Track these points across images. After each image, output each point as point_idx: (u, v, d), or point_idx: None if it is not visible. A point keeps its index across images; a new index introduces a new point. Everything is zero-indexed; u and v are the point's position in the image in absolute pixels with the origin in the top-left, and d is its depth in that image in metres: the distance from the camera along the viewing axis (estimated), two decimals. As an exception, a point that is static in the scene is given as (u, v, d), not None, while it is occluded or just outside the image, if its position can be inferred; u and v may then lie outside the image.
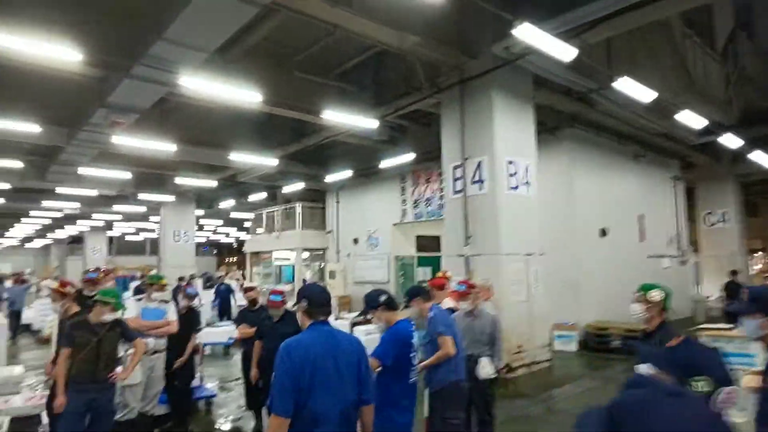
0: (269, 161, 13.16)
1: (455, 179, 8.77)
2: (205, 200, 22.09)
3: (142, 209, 21.85)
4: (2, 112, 9.21)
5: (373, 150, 14.62)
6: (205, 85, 7.77)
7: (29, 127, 9.52)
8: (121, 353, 4.63)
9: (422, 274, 16.64)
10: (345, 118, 9.72)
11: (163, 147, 11.20)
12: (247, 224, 30.79)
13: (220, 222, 29.59)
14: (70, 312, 4.86)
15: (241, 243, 48.53)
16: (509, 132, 8.47)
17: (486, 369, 4.25)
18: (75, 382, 4.19)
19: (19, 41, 5.96)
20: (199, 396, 6.57)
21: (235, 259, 49.32)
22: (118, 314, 4.46)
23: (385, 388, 3.31)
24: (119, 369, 4.51)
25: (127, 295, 7.57)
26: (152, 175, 16.09)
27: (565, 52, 6.89)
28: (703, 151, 14.88)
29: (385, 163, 13.61)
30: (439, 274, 6.89)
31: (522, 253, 8.40)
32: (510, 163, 8.39)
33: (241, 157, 12.55)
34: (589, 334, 10.60)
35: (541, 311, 8.75)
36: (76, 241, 37.13)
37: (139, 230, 34.07)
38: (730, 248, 16.53)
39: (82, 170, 13.47)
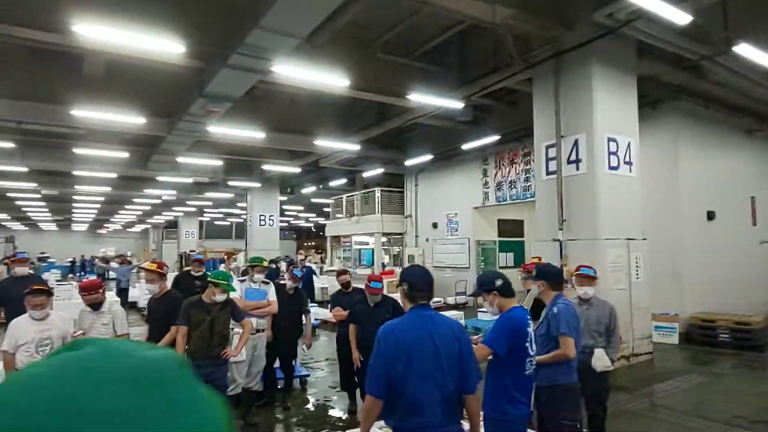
0: (351, 146, 13.29)
1: (548, 159, 8.34)
2: (288, 186, 22.88)
3: (230, 195, 23.01)
4: (111, 105, 9.95)
5: (454, 132, 14.34)
6: (295, 71, 7.90)
7: (135, 119, 10.21)
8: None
9: (504, 259, 16.25)
10: (429, 99, 9.55)
11: (253, 134, 11.62)
12: (326, 209, 31.67)
13: (301, 207, 30.51)
14: (162, 291, 5.14)
15: (318, 227, 50.26)
16: (609, 107, 7.89)
17: (602, 360, 3.98)
18: (192, 358, 4.43)
19: (126, 36, 6.33)
20: (295, 375, 6.79)
21: (313, 243, 51.07)
22: (227, 296, 4.67)
23: (498, 378, 3.13)
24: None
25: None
26: (241, 162, 16.80)
27: (677, 15, 6.25)
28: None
29: (468, 145, 13.28)
30: (533, 260, 6.61)
31: (622, 238, 7.86)
32: (610, 140, 7.83)
33: (325, 143, 12.75)
34: (693, 326, 9.78)
35: (641, 300, 8.16)
36: (171, 225, 40.05)
37: (226, 215, 36.04)
38: None
39: (180, 159, 14.32)
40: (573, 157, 7.93)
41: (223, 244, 36.67)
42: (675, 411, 5.84)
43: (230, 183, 19.26)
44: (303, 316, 6.18)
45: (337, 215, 21.45)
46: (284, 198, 24.70)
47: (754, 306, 10.20)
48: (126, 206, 29.47)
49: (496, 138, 12.60)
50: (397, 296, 3.72)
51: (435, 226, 16.86)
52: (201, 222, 37.28)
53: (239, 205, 27.73)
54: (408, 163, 15.96)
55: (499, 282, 3.06)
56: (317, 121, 13.56)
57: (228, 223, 40.78)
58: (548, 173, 8.36)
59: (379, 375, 2.45)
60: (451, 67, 10.32)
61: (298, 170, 16.94)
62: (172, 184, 19.21)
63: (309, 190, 22.27)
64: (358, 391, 5.66)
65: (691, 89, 10.53)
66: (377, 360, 2.47)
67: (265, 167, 16.52)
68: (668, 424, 5.45)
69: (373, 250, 18.66)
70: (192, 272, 6.79)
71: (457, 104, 9.72)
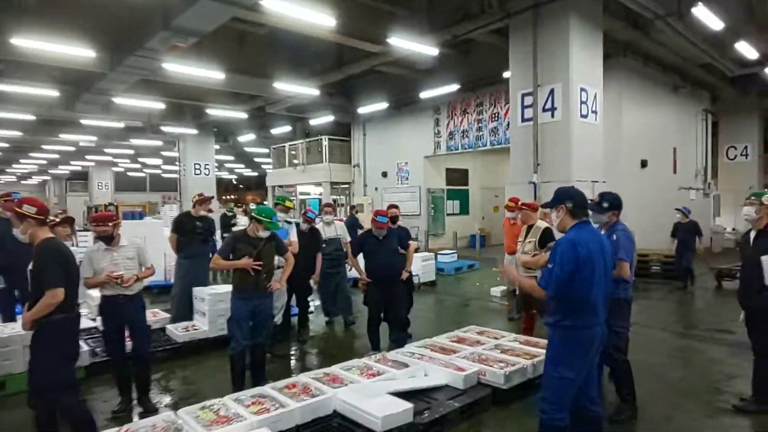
0: (310, 91, 12.97)
1: (524, 107, 8.83)
2: (223, 134, 21.81)
3: (158, 143, 21.52)
4: (53, 35, 8.87)
5: (406, 80, 14.46)
6: (281, 5, 7.56)
7: (82, 52, 9.22)
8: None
9: (451, 206, 17.01)
10: (406, 45, 9.55)
11: (210, 74, 10.96)
12: (258, 159, 30.64)
13: (231, 157, 29.23)
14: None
15: (241, 180, 48.45)
16: (582, 59, 8.48)
17: None
18: (240, 291, 4.48)
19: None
20: (310, 310, 6.99)
21: (232, 196, 49.32)
22: (269, 232, 4.62)
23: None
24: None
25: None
26: (183, 106, 15.75)
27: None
28: (732, 85, 14.99)
29: (425, 94, 13.50)
30: (511, 201, 7.10)
31: (589, 180, 8.65)
32: (582, 90, 8.46)
33: (284, 86, 12.33)
34: (629, 260, 11.09)
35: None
36: (76, 177, 36.63)
37: (142, 166, 33.64)
38: (748, 183, 16.99)
39: (117, 99, 13.14)
40: (549, 105, 8.48)
41: (137, 198, 34.40)
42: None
43: (164, 129, 18.00)
44: (316, 254, 6.28)
45: (277, 166, 20.94)
46: (217, 147, 23.59)
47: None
48: (31, 154, 26.44)
49: (455, 87, 12.91)
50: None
51: (385, 175, 17.12)
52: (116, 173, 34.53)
53: (164, 154, 26.05)
54: (360, 110, 15.89)
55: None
56: (271, 63, 13.01)
57: (143, 175, 38.11)
58: (524, 120, 8.87)
59: (562, 279, 2.81)
60: (421, 13, 10.30)
61: (244, 116, 16.21)
62: (96, 128, 17.54)
63: (247, 138, 21.40)
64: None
65: (636, 47, 11.49)
66: (566, 265, 2.80)
67: (210, 111, 15.60)
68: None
69: (319, 199, 18.60)
70: (192, 213, 6.54)
71: (432, 51, 9.81)
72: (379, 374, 4.27)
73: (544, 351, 4.70)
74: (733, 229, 16.89)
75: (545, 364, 3.03)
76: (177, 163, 21.00)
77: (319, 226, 6.58)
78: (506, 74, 11.44)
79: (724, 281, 9.50)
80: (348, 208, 16.59)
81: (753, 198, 4.01)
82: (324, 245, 6.46)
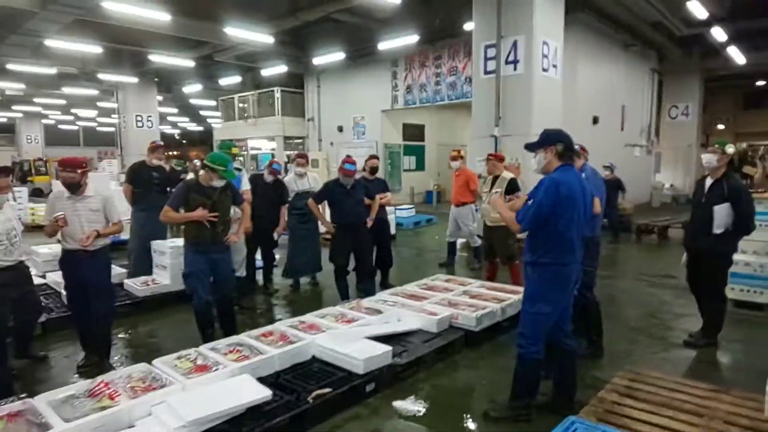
0: (263, 38, 12.33)
1: (487, 59, 8.80)
2: (166, 84, 20.55)
3: (94, 92, 20.04)
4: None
5: (364, 30, 14.00)
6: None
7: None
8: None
9: (407, 162, 17.03)
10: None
11: (155, 15, 10.17)
12: (204, 113, 29.24)
13: (174, 110, 27.72)
14: None
15: (184, 134, 46.22)
16: (545, 11, 8.48)
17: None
18: (196, 244, 4.24)
19: None
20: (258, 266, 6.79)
21: (176, 152, 47.08)
22: (224, 182, 4.38)
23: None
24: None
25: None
26: (122, 51, 14.61)
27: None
28: (679, 45, 15.53)
29: (384, 44, 13.14)
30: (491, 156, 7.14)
31: (546, 134, 8.82)
32: (544, 44, 8.49)
33: (237, 32, 11.64)
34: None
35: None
36: (1, 130, 33.72)
37: (75, 118, 31.34)
38: (687, 141, 17.97)
39: (49, 42, 12.00)
40: (512, 58, 8.49)
41: (70, 153, 32.10)
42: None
43: (100, 77, 16.71)
44: (281, 206, 6.10)
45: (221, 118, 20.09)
46: (159, 98, 22.27)
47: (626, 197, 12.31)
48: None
49: (414, 39, 12.64)
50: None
51: (340, 129, 16.82)
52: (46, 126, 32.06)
53: (100, 105, 24.34)
54: (315, 61, 15.32)
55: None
56: (220, 6, 12.20)
57: (75, 128, 35.50)
58: (486, 72, 8.86)
59: (539, 216, 2.88)
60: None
61: (191, 64, 15.26)
62: (25, 75, 16.03)
63: (193, 89, 20.29)
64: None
65: (592, 2, 11.60)
66: (546, 205, 2.86)
67: (153, 58, 14.57)
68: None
69: (272, 154, 18.08)
70: (147, 163, 6.15)
71: (394, -3, 9.48)
72: (354, 321, 4.30)
73: (510, 295, 4.94)
74: (672, 186, 17.93)
75: (523, 301, 3.13)
76: (116, 114, 19.72)
77: (290, 176, 6.34)
78: (466, 26, 11.37)
79: (643, 235, 10.09)
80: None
81: (716, 146, 4.17)
82: (296, 198, 6.20)
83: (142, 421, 2.79)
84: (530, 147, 3.14)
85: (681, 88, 17.77)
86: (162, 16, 10.26)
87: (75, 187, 3.79)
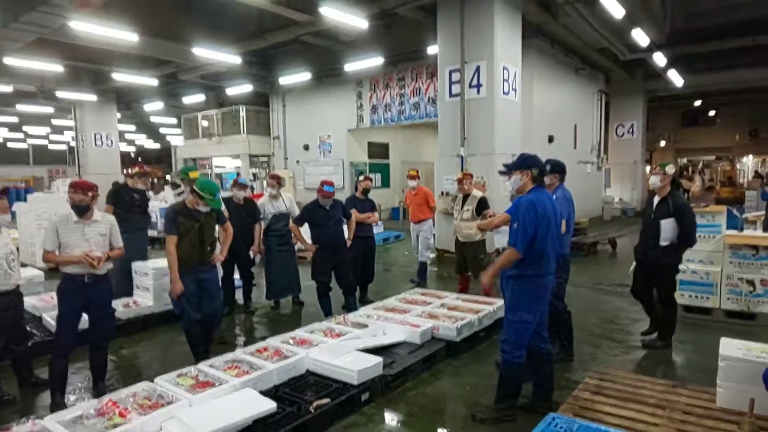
0: (231, 58, 12.46)
1: (451, 82, 9.28)
2: (125, 101, 20.20)
3: (50, 110, 19.46)
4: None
5: (330, 52, 14.34)
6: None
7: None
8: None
9: (374, 180, 17.32)
10: (335, 16, 9.52)
11: (124, 36, 10.16)
12: (164, 131, 28.75)
13: (132, 127, 27.12)
14: None
15: (140, 152, 45.09)
16: (504, 39, 9.04)
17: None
18: (185, 266, 4.34)
19: None
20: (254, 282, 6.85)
21: (132, 170, 45.79)
22: (208, 209, 4.51)
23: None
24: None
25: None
26: (83, 69, 14.34)
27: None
28: (624, 68, 16.68)
29: (350, 66, 13.52)
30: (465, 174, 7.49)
31: (509, 153, 9.35)
32: (504, 69, 9.05)
33: (204, 53, 11.73)
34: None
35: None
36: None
37: (26, 136, 30.10)
38: (633, 157, 19.16)
39: (7, 60, 11.71)
40: (475, 82, 8.99)
41: (18, 172, 30.97)
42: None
43: (59, 95, 16.29)
44: (254, 225, 6.21)
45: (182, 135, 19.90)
46: (118, 115, 21.82)
47: (580, 212, 13.04)
48: None
49: (379, 61, 13.07)
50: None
51: (306, 147, 17.00)
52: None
53: (55, 123, 23.57)
54: (281, 81, 15.52)
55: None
56: (185, 27, 12.27)
57: (25, 146, 34.00)
58: (451, 95, 9.33)
59: (529, 235, 3.19)
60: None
61: (155, 83, 15.15)
62: (-23, 92, 15.48)
63: (154, 106, 20.02)
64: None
65: (546, 30, 12.38)
66: (529, 225, 3.18)
67: (116, 77, 14.37)
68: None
69: (237, 173, 18.02)
70: (129, 185, 6.23)
71: (362, 23, 9.87)
72: (343, 335, 4.52)
73: (485, 306, 5.28)
74: (620, 199, 19.03)
75: (505, 311, 3.46)
76: (69, 132, 19.17)
77: (264, 198, 6.51)
78: (430, 50, 11.90)
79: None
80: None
81: (658, 168, 4.73)
82: (272, 220, 6.32)
83: (154, 437, 2.93)
84: (509, 167, 3.50)
85: (626, 108, 18.98)
86: (129, 36, 10.25)
87: (83, 210, 3.72)
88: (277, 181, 6.48)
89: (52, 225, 3.74)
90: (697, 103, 23.61)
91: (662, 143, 26.77)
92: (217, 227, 4.72)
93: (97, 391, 3.90)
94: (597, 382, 3.71)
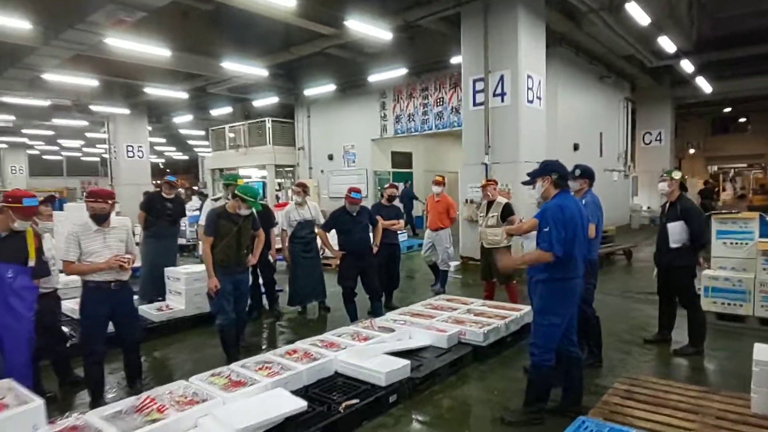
0: (258, 71, 12.77)
1: (475, 92, 9.33)
2: (156, 114, 20.83)
3: (84, 123, 20.18)
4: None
5: (354, 63, 14.55)
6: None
7: (15, 23, 8.58)
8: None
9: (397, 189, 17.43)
10: (361, 28, 9.70)
11: (156, 52, 10.54)
12: (191, 142, 29.48)
13: (163, 140, 27.91)
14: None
15: (168, 164, 46.24)
16: (528, 48, 9.06)
17: None
18: (222, 266, 4.57)
19: None
20: (277, 289, 7.00)
21: (157, 181, 47.01)
22: (251, 211, 4.75)
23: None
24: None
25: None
26: (116, 84, 14.87)
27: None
28: (650, 75, 16.47)
29: (374, 77, 13.70)
30: (490, 181, 7.47)
31: (533, 161, 9.32)
32: (529, 77, 9.07)
33: (233, 66, 12.06)
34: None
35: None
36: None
37: (61, 149, 31.25)
38: (661, 165, 18.76)
39: (46, 76, 12.25)
40: (499, 91, 9.03)
41: (53, 183, 32.03)
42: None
43: (93, 108, 16.92)
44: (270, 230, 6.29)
45: (213, 147, 20.35)
46: (149, 128, 22.50)
47: (607, 220, 12.87)
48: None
49: (402, 72, 13.22)
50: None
51: (331, 157, 17.21)
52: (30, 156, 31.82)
53: (89, 135, 24.40)
54: (306, 92, 15.80)
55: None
56: (215, 41, 12.64)
57: (59, 158, 35.27)
58: (475, 104, 9.38)
59: (563, 238, 3.22)
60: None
61: (185, 96, 15.62)
62: (17, 107, 16.16)
63: (183, 118, 20.57)
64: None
65: (570, 38, 12.35)
66: (560, 227, 3.22)
67: (148, 91, 14.87)
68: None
69: (264, 182, 18.35)
70: (164, 194, 6.50)
71: (386, 35, 10.03)
72: (370, 338, 4.58)
73: (511, 312, 5.27)
74: (648, 208, 18.66)
75: (534, 314, 3.48)
76: (102, 144, 19.84)
77: (290, 206, 6.64)
78: (453, 60, 11.99)
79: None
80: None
81: (665, 175, 4.84)
82: (298, 227, 6.43)
83: (191, 432, 3.02)
84: (531, 176, 3.54)
85: (653, 115, 18.69)
86: (162, 52, 10.64)
87: (103, 219, 3.79)
88: (303, 189, 6.60)
89: (73, 235, 3.73)
90: (727, 109, 23.12)
91: (691, 151, 26.24)
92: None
93: (134, 390, 4.02)
94: (628, 387, 3.67)
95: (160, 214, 6.37)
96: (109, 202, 3.85)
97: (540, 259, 3.29)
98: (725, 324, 5.55)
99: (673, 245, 4.64)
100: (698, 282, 5.03)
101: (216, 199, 6.15)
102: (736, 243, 5.78)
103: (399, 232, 6.96)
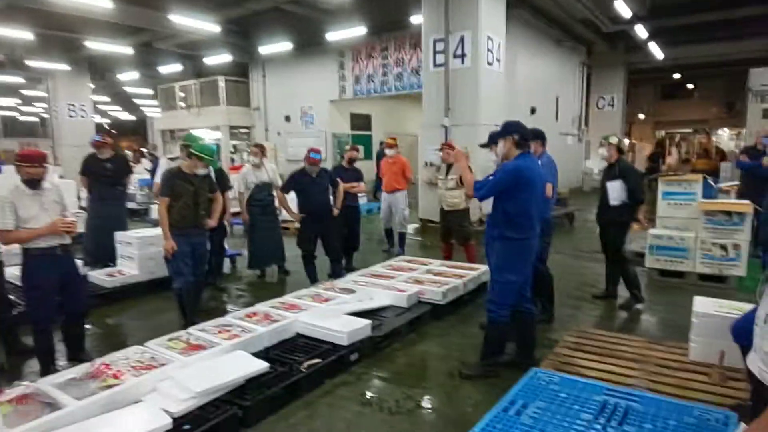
0: (210, 26, 12.13)
1: (436, 52, 9.22)
2: (98, 71, 19.58)
3: (19, 80, 18.78)
4: None
5: (310, 21, 14.03)
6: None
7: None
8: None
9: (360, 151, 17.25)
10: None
11: (98, 2, 9.80)
12: (138, 101, 28.01)
13: (107, 98, 26.36)
14: None
15: (114, 124, 43.91)
16: (488, 8, 8.97)
17: None
18: (179, 228, 4.43)
19: None
20: (227, 254, 6.87)
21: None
22: (209, 170, 4.63)
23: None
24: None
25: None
26: (55, 38, 13.79)
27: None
28: (605, 40, 16.74)
29: (331, 36, 13.29)
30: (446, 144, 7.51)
31: (492, 124, 9.39)
32: (489, 39, 9.02)
33: (182, 20, 11.39)
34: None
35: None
36: None
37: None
38: (613, 129, 19.33)
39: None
40: (459, 52, 8.95)
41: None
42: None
43: (29, 64, 15.71)
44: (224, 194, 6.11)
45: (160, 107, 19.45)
46: (91, 86, 21.16)
47: (561, 183, 13.24)
48: None
49: (362, 31, 12.87)
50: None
51: (288, 119, 16.79)
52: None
53: (25, 93, 22.73)
54: (261, 50, 15.19)
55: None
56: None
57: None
58: (435, 65, 9.29)
59: (494, 191, 3.37)
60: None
61: (130, 51, 14.69)
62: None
63: (129, 76, 19.45)
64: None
65: (528, 0, 12.32)
66: (503, 184, 3.31)
67: (89, 45, 13.88)
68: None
69: (218, 145, 17.73)
70: (98, 155, 6.19)
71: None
72: (331, 300, 4.60)
73: (469, 272, 5.40)
74: (599, 171, 19.29)
75: (491, 272, 3.56)
76: (41, 103, 18.59)
77: (246, 168, 6.45)
78: (413, 20, 11.77)
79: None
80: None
81: (603, 140, 5.10)
82: (255, 190, 6.22)
83: (149, 396, 2.98)
84: (493, 136, 3.56)
85: (607, 80, 19.11)
86: (103, 3, 9.90)
87: (38, 183, 3.57)
88: (261, 150, 6.41)
89: (6, 201, 3.44)
90: (676, 76, 23.87)
91: (641, 116, 27.10)
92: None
93: (80, 359, 3.83)
94: (577, 340, 3.87)
95: (98, 176, 6.16)
96: (44, 165, 3.61)
97: (467, 184, 3.52)
98: (667, 280, 5.90)
99: (613, 203, 4.88)
100: (629, 240, 5.26)
101: (173, 159, 5.88)
102: (680, 203, 6.08)
103: (360, 194, 6.91)
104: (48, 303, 3.66)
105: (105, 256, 6.12)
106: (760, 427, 1.20)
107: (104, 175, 6.22)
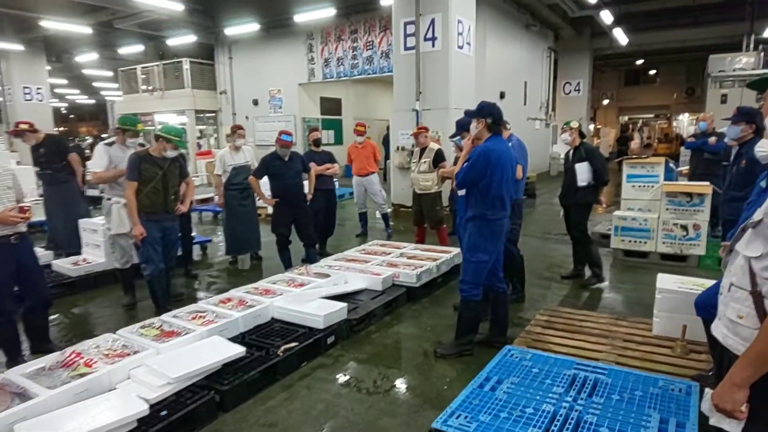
0: (172, 5, 11.73)
1: (406, 35, 9.17)
2: (55, 52, 18.72)
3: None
4: None
5: (276, 1, 13.77)
6: None
7: None
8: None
9: (326, 136, 17.10)
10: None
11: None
12: (98, 84, 26.95)
13: (64, 81, 25.25)
14: None
15: (72, 109, 42.23)
16: (458, -9, 8.97)
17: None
18: (147, 213, 4.35)
19: None
20: (195, 241, 6.75)
21: (60, 129, 42.86)
22: (178, 152, 4.53)
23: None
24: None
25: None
26: (7, 16, 13.07)
27: None
28: (572, 26, 17.00)
29: (300, 17, 13.06)
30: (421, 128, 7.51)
31: (462, 108, 9.43)
32: (459, 22, 9.02)
33: (144, -1, 10.98)
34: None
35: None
36: None
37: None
38: (579, 114, 19.76)
39: None
40: (429, 35, 8.93)
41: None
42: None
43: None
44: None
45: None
46: (48, 67, 20.22)
47: (529, 167, 13.47)
48: None
49: (331, 12, 12.68)
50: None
51: (256, 103, 16.47)
52: None
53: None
54: (227, 31, 14.80)
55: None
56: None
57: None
58: (406, 48, 9.24)
59: (474, 178, 3.37)
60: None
61: (88, 31, 14.07)
62: None
63: (87, 57, 18.66)
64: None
65: (498, -17, 12.37)
66: (477, 169, 3.36)
67: (45, 24, 13.22)
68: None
69: (183, 129, 17.28)
70: (25, 142, 6.01)
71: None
72: (306, 284, 4.59)
73: (442, 255, 5.47)
74: (563, 156, 19.73)
75: (464, 252, 3.62)
76: (-1, 86, 17.69)
77: (224, 150, 6.29)
78: (382, 1, 11.66)
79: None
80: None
81: (565, 126, 5.21)
82: (233, 173, 6.07)
83: (123, 384, 2.93)
84: (469, 115, 3.60)
85: (573, 66, 19.44)
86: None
87: None
88: (239, 130, 6.26)
89: None
90: (639, 62, 24.48)
91: (605, 101, 27.74)
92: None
93: (47, 350, 3.71)
94: (547, 318, 4.00)
95: (36, 164, 6.18)
96: None
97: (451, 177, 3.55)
98: (631, 260, 6.12)
99: (580, 184, 5.02)
100: (595, 222, 5.45)
101: (110, 144, 5.50)
102: (643, 186, 6.30)
103: (333, 177, 6.89)
104: (6, 294, 3.48)
105: (68, 243, 5.92)
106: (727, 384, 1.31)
107: (39, 162, 6.09)
